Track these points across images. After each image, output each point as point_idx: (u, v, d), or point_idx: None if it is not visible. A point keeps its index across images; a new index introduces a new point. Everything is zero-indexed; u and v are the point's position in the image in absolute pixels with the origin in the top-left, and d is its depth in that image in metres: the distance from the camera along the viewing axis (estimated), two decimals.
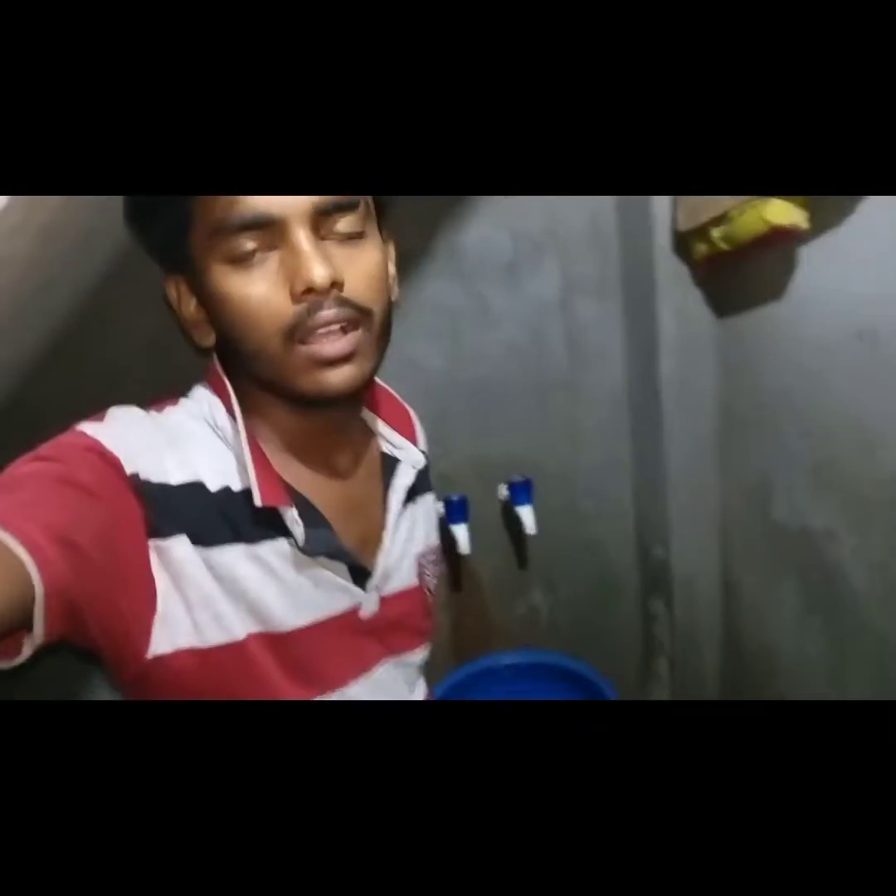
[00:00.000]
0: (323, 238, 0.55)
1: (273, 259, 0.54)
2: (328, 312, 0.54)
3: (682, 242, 1.23)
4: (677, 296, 1.27)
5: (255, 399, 0.60)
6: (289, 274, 0.53)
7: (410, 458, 0.71)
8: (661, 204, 1.24)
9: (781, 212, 1.01)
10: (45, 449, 0.52)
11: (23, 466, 0.50)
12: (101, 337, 1.23)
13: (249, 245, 0.53)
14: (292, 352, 0.54)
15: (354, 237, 0.56)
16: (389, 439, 0.72)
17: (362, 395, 0.65)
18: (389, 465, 0.70)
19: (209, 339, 0.60)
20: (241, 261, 0.53)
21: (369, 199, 0.59)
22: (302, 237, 0.53)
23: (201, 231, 0.55)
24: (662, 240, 1.25)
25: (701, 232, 1.16)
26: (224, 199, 0.53)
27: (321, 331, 0.54)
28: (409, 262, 1.32)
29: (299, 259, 0.52)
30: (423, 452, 0.74)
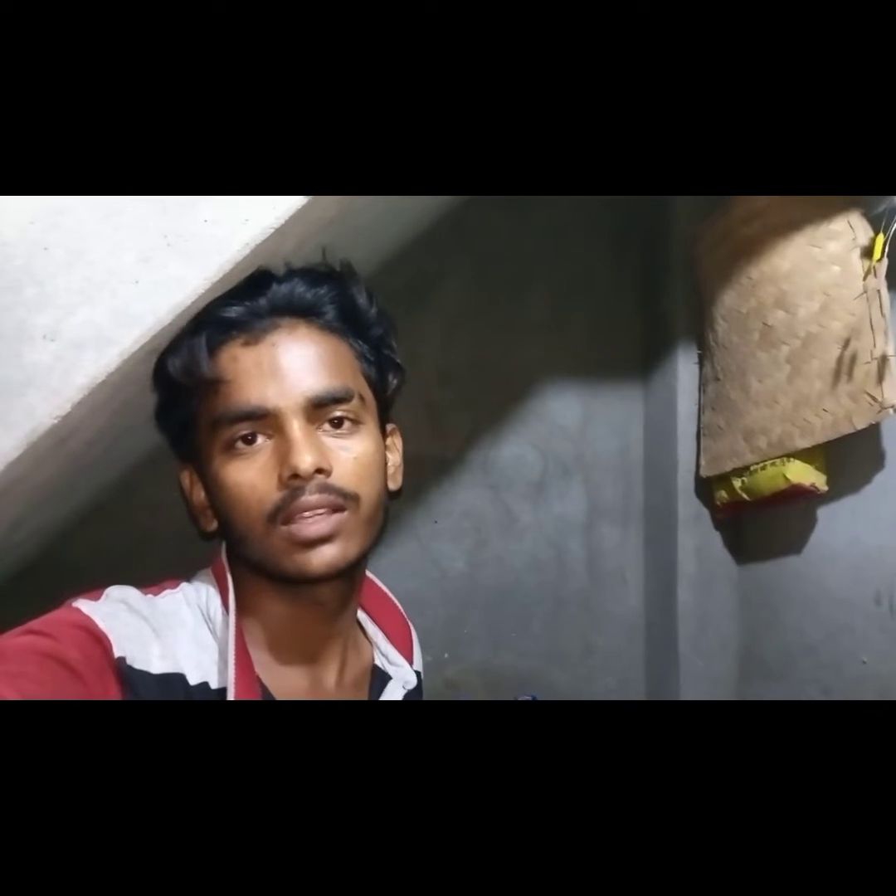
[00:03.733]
0: (318, 428, 0.58)
1: (267, 448, 0.57)
2: (311, 497, 0.55)
3: (704, 486, 1.29)
4: (697, 535, 1.30)
5: (250, 587, 0.61)
6: (279, 461, 0.56)
7: (402, 677, 0.68)
8: (686, 446, 1.31)
9: (802, 471, 1.06)
10: (37, 623, 0.52)
11: (13, 638, 0.50)
12: (138, 503, 1.29)
13: (244, 435, 0.57)
14: (274, 532, 0.56)
15: (349, 426, 0.59)
16: (384, 652, 0.70)
17: (353, 582, 0.64)
18: (379, 679, 0.68)
19: (212, 525, 0.62)
20: (237, 450, 0.57)
21: (366, 390, 0.62)
22: (295, 427, 0.56)
23: (204, 425, 0.59)
24: (685, 480, 1.30)
25: (723, 479, 1.21)
26: (222, 394, 0.57)
27: (305, 514, 0.56)
28: (444, 469, 1.39)
29: (289, 447, 0.55)
30: (418, 672, 0.72)
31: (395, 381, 0.66)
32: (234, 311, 0.58)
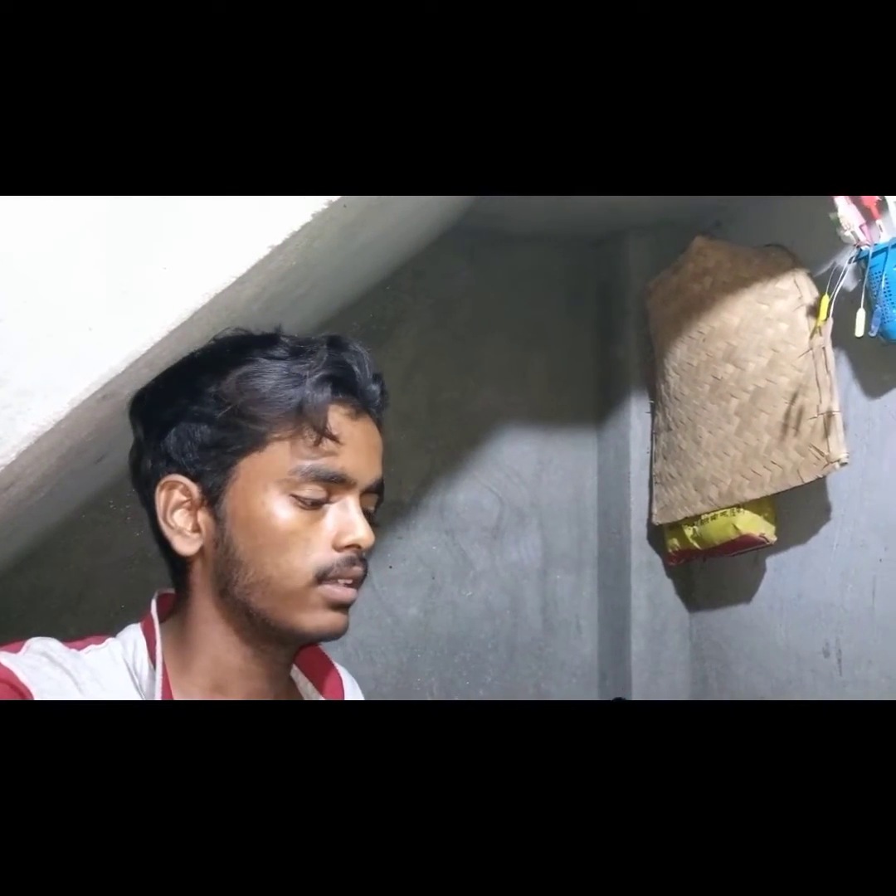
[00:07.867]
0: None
1: (329, 512, 0.61)
2: (357, 568, 0.61)
3: (657, 533, 1.30)
4: (650, 583, 1.31)
5: (207, 636, 0.61)
6: (338, 526, 0.60)
7: None
8: (639, 493, 1.33)
9: (751, 522, 1.08)
10: None
11: None
12: (82, 544, 1.25)
13: (321, 494, 0.60)
14: (313, 590, 0.59)
15: (370, 516, 0.65)
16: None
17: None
18: None
19: (192, 548, 0.60)
20: (304, 502, 0.60)
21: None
22: (355, 503, 0.62)
23: (271, 461, 0.59)
24: (638, 527, 1.32)
25: (675, 527, 1.23)
26: (321, 450, 0.59)
27: (344, 580, 0.60)
28: (399, 513, 1.38)
29: (352, 518, 0.61)
30: None
31: None
32: (345, 377, 0.61)
